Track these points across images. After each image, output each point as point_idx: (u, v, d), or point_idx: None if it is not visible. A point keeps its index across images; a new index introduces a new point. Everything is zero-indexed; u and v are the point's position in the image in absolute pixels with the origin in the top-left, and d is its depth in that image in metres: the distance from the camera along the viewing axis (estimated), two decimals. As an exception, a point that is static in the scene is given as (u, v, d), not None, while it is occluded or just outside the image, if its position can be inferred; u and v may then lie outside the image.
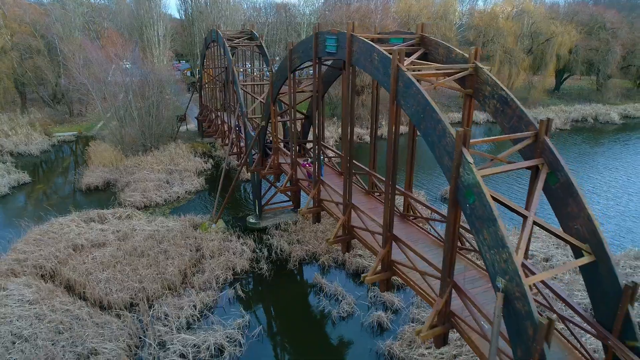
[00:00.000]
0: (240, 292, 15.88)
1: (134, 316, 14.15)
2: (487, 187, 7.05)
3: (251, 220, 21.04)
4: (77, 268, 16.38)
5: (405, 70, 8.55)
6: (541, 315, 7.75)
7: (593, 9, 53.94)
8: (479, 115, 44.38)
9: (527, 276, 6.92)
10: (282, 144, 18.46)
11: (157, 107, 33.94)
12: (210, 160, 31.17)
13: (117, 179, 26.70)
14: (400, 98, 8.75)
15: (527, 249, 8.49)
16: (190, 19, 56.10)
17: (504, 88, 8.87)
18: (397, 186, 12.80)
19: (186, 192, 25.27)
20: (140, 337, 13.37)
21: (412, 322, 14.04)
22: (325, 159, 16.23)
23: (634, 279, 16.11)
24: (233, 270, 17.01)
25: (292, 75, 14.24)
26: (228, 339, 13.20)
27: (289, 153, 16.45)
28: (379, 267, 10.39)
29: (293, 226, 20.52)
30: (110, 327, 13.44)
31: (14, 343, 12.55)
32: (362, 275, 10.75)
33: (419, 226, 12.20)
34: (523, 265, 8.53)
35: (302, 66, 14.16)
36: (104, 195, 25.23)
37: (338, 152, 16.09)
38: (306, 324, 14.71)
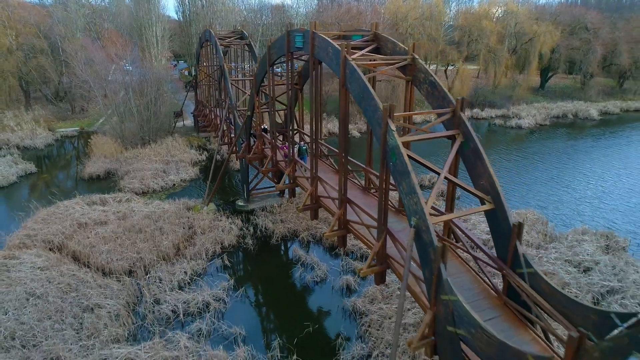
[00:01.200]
0: (227, 262, 17.86)
1: (132, 280, 16.11)
2: (407, 150, 9.04)
3: (240, 204, 23.03)
4: (81, 242, 18.36)
5: (351, 59, 10.54)
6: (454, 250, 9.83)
7: (575, 10, 56.00)
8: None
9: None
10: (266, 132, 20.43)
11: (155, 103, 35.95)
12: (205, 153, 33.15)
13: (117, 169, 28.68)
14: (347, 82, 10.73)
15: (452, 203, 10.45)
16: (187, 20, 58.15)
17: (433, 75, 10.87)
18: (358, 162, 14.79)
19: (181, 180, 27.27)
20: (137, 296, 15.34)
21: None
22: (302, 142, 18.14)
23: (577, 250, 18.06)
24: (221, 244, 18.98)
25: (271, 68, 16.22)
26: (214, 298, 15.15)
27: (273, 142, 18.42)
28: (336, 227, 12.39)
29: (278, 208, 22.51)
30: (111, 288, 15.39)
31: (27, 299, 14.48)
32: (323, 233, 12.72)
33: (376, 196, 14.18)
34: (435, 209, 10.59)
35: (278, 61, 16.13)
36: (105, 183, 27.20)
37: (307, 133, 18.01)
38: (284, 287, 16.68)
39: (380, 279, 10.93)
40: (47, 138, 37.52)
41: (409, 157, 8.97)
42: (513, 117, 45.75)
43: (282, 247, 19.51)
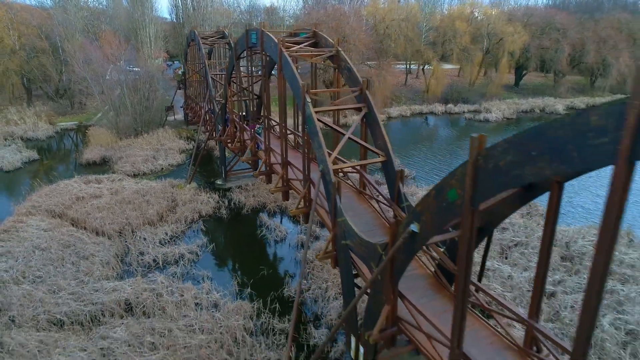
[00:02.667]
0: (202, 227, 21.01)
1: (121, 239, 19.24)
2: (317, 117, 12.19)
3: (218, 182, 26.21)
4: (78, 210, 21.48)
5: (285, 51, 13.72)
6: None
7: (546, 12, 59.36)
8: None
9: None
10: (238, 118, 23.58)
11: (148, 98, 39.15)
12: (193, 142, 36.22)
13: (112, 156, 31.83)
14: (283, 70, 13.90)
15: (365, 156, 13.56)
16: (181, 21, 61.43)
17: (349, 62, 14.04)
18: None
19: (169, 164, 30.43)
20: (124, 250, 18.47)
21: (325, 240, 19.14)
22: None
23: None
24: (199, 213, 22.11)
25: (237, 61, 19.40)
26: (188, 251, 18.27)
27: (241, 124, 21.56)
28: (280, 182, 15.54)
29: (251, 186, 25.67)
30: (103, 244, 18.52)
31: (34, 251, 17.56)
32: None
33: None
34: (339, 160, 13.68)
35: (242, 55, 19.32)
36: (100, 167, 30.34)
37: (275, 120, 21.15)
38: (249, 244, 19.81)
39: (306, 219, 14.04)
40: (48, 131, 40.65)
41: (321, 121, 12.14)
42: (483, 112, 48.97)
43: (252, 216, 22.64)
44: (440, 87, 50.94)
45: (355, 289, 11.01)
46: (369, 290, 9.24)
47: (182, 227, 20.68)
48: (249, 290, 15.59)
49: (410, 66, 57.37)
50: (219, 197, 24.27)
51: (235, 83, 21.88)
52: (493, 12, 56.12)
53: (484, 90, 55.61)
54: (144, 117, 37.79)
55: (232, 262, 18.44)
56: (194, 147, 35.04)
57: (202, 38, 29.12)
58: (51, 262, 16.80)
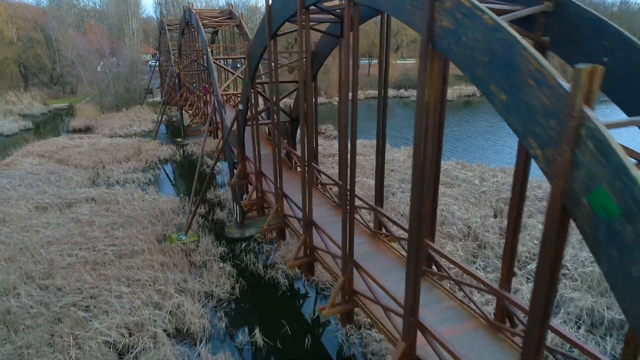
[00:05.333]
0: (159, 166, 27.10)
1: (94, 170, 25.30)
2: (215, 60, 18.32)
3: (178, 140, 32.36)
4: (63, 154, 27.58)
5: (198, 19, 19.87)
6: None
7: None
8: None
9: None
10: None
11: (128, 80, 45.40)
12: (165, 116, 42.40)
13: (95, 125, 37.93)
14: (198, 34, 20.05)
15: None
16: (165, 19, 67.52)
17: (246, 30, 20.18)
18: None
19: (142, 130, 36.52)
20: (96, 177, 24.51)
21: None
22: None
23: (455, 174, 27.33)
24: (158, 157, 28.22)
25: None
26: (144, 177, 24.34)
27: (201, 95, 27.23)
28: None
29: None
30: (80, 173, 24.57)
31: (27, 175, 23.62)
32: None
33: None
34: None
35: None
36: (84, 133, 36.42)
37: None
38: (191, 174, 25.88)
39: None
40: (42, 109, 46.80)
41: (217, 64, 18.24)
42: (429, 96, 55.25)
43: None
44: (394, 76, 57.27)
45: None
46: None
47: (143, 165, 26.77)
48: (183, 195, 21.65)
49: (371, 60, 63.86)
50: (177, 148, 30.40)
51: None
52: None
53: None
54: (124, 96, 43.98)
55: (176, 183, 24.58)
56: (166, 119, 41.31)
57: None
58: (40, 180, 22.90)
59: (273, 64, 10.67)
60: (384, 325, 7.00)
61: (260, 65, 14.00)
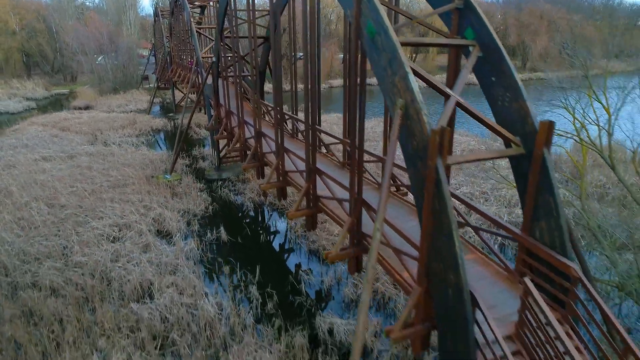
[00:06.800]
0: (151, 132, 29.98)
1: (93, 135, 28.17)
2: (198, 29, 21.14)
3: (170, 115, 35.25)
4: (64, 124, 30.48)
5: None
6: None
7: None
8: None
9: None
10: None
11: (125, 66, 48.32)
12: (159, 98, 45.33)
13: (94, 104, 40.84)
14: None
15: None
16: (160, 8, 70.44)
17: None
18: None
19: (137, 109, 39.39)
20: (95, 140, 27.37)
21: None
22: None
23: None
24: (151, 127, 31.09)
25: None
26: (138, 140, 27.19)
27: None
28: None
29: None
30: (80, 137, 27.43)
31: (33, 138, 26.50)
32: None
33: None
34: None
35: None
36: (84, 111, 39.33)
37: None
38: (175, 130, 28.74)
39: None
40: (45, 94, 49.71)
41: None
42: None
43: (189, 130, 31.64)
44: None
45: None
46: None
47: (137, 132, 29.64)
48: (172, 153, 24.50)
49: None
50: (168, 121, 33.30)
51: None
52: None
53: (423, 66, 64.97)
54: (121, 80, 46.91)
55: (165, 145, 27.48)
56: (160, 101, 44.23)
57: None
58: (44, 141, 25.80)
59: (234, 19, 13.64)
60: (337, 215, 8.73)
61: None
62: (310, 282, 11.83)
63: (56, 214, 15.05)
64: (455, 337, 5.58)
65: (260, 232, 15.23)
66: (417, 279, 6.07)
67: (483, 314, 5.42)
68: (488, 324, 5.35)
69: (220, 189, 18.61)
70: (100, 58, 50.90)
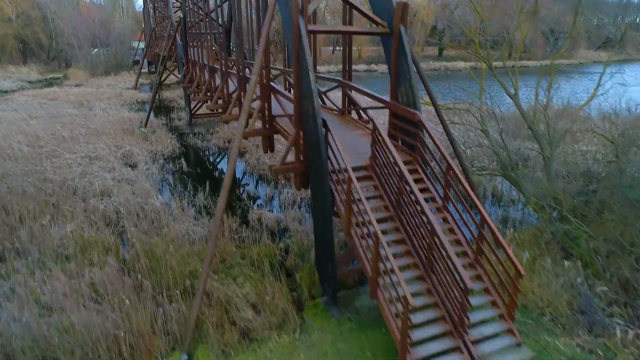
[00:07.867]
0: (136, 104, 31.61)
1: (80, 103, 29.78)
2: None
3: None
4: (53, 95, 32.12)
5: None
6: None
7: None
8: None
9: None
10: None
11: (117, 51, 50.02)
12: (149, 80, 46.98)
13: (85, 84, 42.49)
14: None
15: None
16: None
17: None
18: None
19: (125, 87, 41.00)
20: (86, 111, 28.98)
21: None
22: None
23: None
24: (137, 100, 32.69)
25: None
26: (125, 108, 28.81)
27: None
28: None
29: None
30: (67, 105, 29.06)
31: (23, 105, 28.13)
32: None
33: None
34: None
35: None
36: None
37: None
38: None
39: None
40: (39, 77, 51.29)
41: None
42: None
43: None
44: (365, 54, 62.56)
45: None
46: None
47: (122, 103, 31.19)
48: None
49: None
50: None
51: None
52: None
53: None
54: (113, 63, 48.59)
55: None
56: (149, 82, 45.82)
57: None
58: (33, 106, 27.44)
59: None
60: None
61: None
62: (255, 194, 13.48)
63: (35, 151, 16.65)
64: (314, 162, 7.24)
65: (219, 167, 16.84)
66: (294, 122, 7.78)
67: (332, 137, 7.05)
68: (336, 145, 6.97)
69: (190, 139, 20.22)
70: (95, 50, 52.69)
